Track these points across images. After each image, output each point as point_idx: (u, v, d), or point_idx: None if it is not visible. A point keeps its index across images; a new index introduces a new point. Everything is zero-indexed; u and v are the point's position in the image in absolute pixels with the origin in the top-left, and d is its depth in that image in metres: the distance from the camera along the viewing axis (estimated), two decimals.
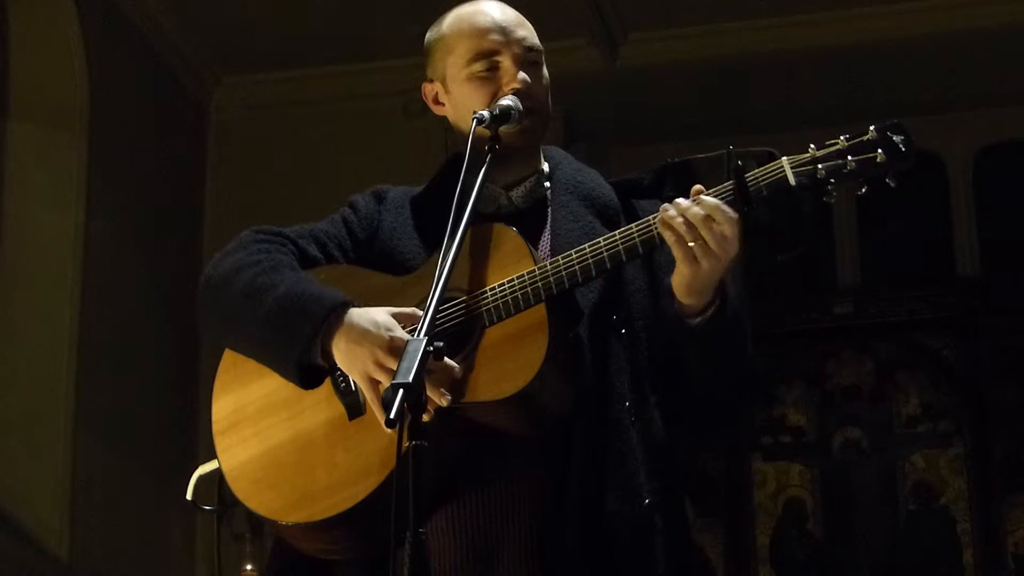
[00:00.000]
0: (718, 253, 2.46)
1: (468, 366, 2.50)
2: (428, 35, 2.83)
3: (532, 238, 2.64)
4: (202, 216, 7.77)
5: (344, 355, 2.51)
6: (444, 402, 2.41)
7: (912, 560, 7.64)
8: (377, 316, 2.52)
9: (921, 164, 2.51)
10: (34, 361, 6.47)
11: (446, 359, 2.44)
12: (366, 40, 7.47)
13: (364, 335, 2.49)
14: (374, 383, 2.47)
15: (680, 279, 2.51)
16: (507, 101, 2.65)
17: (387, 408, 2.14)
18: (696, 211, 2.46)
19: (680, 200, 2.49)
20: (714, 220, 2.46)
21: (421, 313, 2.46)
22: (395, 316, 2.53)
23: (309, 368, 2.56)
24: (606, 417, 2.58)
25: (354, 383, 2.57)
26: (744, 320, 2.63)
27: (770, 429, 7.94)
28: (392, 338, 2.47)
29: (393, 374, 2.26)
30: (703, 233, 2.45)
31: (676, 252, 2.47)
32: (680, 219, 2.47)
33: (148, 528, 6.91)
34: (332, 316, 2.52)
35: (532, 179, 2.79)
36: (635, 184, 2.81)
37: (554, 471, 2.55)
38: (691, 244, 2.46)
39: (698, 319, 2.55)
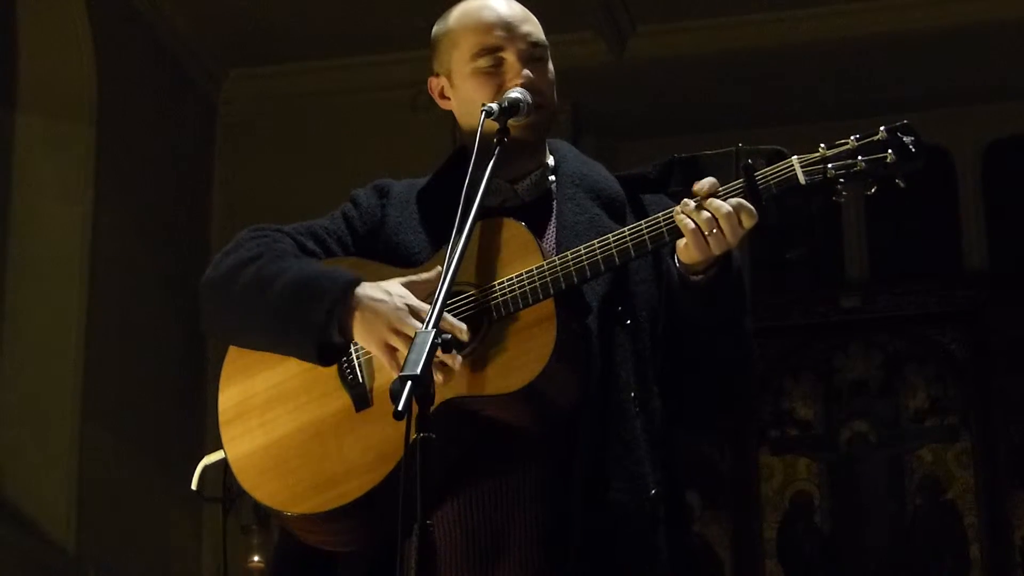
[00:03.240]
0: (730, 241, 2.48)
1: (475, 360, 2.51)
2: (434, 29, 2.83)
3: (538, 231, 2.65)
4: (210, 208, 7.77)
5: (361, 326, 2.52)
6: (455, 364, 2.42)
7: (919, 554, 7.64)
8: (390, 286, 2.55)
9: (929, 158, 2.52)
10: (42, 353, 6.48)
11: (451, 355, 2.45)
12: (374, 33, 7.47)
13: (380, 303, 2.51)
14: (391, 350, 2.49)
15: (687, 256, 2.53)
16: (516, 94, 2.66)
17: (395, 400, 2.14)
18: (720, 205, 2.47)
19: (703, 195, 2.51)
20: (740, 216, 2.47)
21: (435, 278, 2.50)
22: (407, 285, 2.56)
23: (328, 347, 2.57)
24: (611, 407, 2.59)
25: (361, 375, 2.59)
26: (744, 286, 2.64)
27: (777, 422, 7.95)
28: (409, 305, 2.50)
29: (410, 340, 2.29)
30: (722, 224, 2.47)
31: (689, 238, 2.48)
32: (706, 213, 2.48)
33: (155, 519, 6.92)
34: (348, 290, 2.54)
35: (538, 172, 2.79)
36: (641, 178, 2.82)
37: (560, 462, 2.56)
38: (707, 234, 2.47)
39: (701, 276, 2.56)
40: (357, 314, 2.53)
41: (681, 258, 2.55)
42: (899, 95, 7.55)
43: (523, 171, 2.78)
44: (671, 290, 2.62)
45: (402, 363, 2.22)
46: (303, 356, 2.59)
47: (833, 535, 7.79)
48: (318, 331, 2.54)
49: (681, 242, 2.52)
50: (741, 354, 2.69)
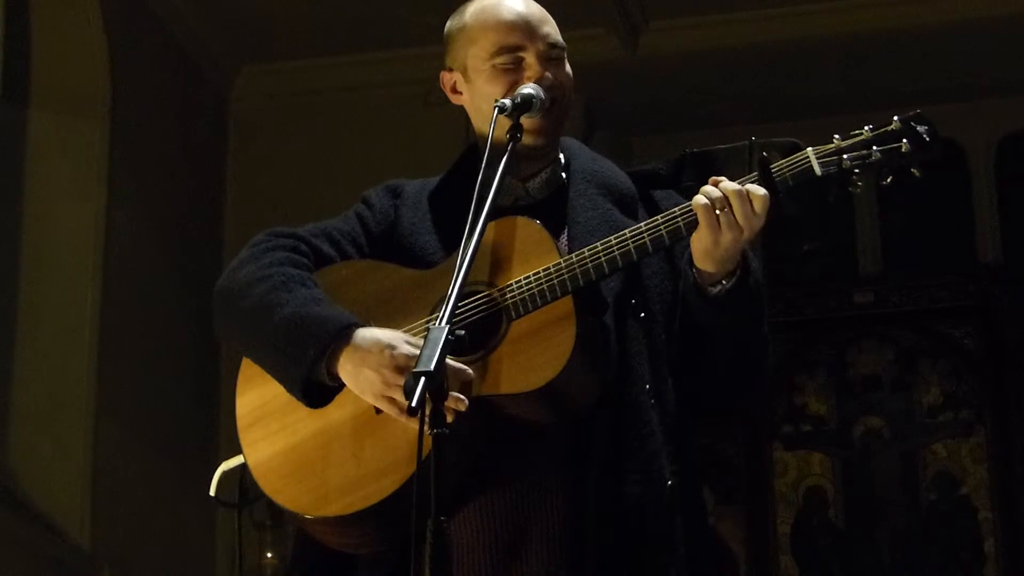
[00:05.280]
0: (742, 225, 2.47)
1: (495, 359, 2.51)
2: (449, 24, 2.82)
3: (551, 229, 2.63)
4: (223, 205, 7.78)
5: (351, 377, 2.52)
6: (461, 407, 2.41)
7: (933, 549, 7.63)
8: (381, 336, 2.52)
9: (943, 148, 2.51)
10: (56, 351, 6.48)
11: (458, 362, 2.44)
12: (387, 28, 7.47)
13: (368, 356, 2.49)
14: (388, 400, 2.48)
15: (700, 245, 2.51)
16: (528, 89, 2.65)
17: (408, 396, 2.14)
18: (731, 184, 2.48)
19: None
20: (748, 195, 2.47)
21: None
22: (405, 338, 2.53)
23: (316, 388, 2.57)
24: (626, 400, 2.59)
25: None
26: (763, 294, 2.62)
27: (791, 418, 7.94)
28: (394, 356, 2.47)
29: (400, 389, 2.27)
30: (733, 203, 2.46)
31: (702, 218, 2.47)
32: (716, 191, 2.48)
33: (170, 517, 6.92)
34: (336, 340, 2.52)
35: (549, 170, 2.79)
36: (652, 174, 2.81)
37: (578, 457, 2.56)
38: (718, 212, 2.46)
39: (718, 288, 2.55)
40: (347, 364, 2.51)
41: (696, 260, 2.53)
42: (912, 89, 7.52)
43: (534, 169, 2.78)
44: (686, 298, 2.61)
45: (403, 406, 2.22)
46: (291, 393, 2.59)
47: (847, 530, 7.78)
48: (303, 375, 2.54)
49: (696, 238, 2.50)
50: (755, 355, 2.68)
